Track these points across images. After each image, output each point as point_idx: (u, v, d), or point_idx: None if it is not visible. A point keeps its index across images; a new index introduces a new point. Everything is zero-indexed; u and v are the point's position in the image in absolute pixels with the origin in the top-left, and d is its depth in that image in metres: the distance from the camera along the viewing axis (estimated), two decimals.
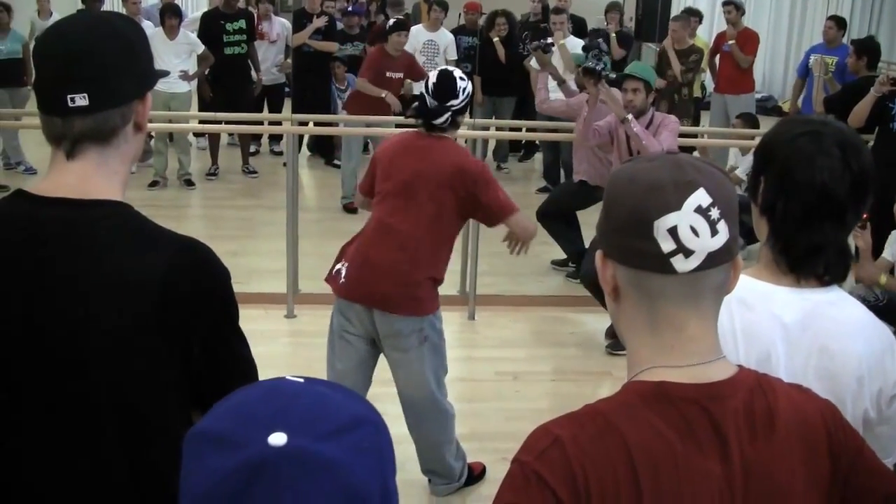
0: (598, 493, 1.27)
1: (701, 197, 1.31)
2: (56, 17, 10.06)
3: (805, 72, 9.73)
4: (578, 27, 10.52)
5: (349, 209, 8.44)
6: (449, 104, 3.82)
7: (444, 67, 4.06)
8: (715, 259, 1.32)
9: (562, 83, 7.37)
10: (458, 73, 3.92)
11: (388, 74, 8.62)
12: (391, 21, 9.00)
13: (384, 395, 4.26)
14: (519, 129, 9.93)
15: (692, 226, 1.30)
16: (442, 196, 3.79)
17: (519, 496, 1.30)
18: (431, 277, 3.91)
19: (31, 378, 1.59)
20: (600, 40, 6.02)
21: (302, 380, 1.07)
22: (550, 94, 7.18)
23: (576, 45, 9.44)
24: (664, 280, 1.33)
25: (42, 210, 1.62)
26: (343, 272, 3.89)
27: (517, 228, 4.00)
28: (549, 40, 7.23)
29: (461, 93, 3.84)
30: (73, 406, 1.60)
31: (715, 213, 1.31)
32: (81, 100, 1.59)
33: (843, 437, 1.42)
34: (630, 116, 5.57)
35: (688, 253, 1.30)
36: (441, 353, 4.04)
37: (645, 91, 5.69)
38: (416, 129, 3.99)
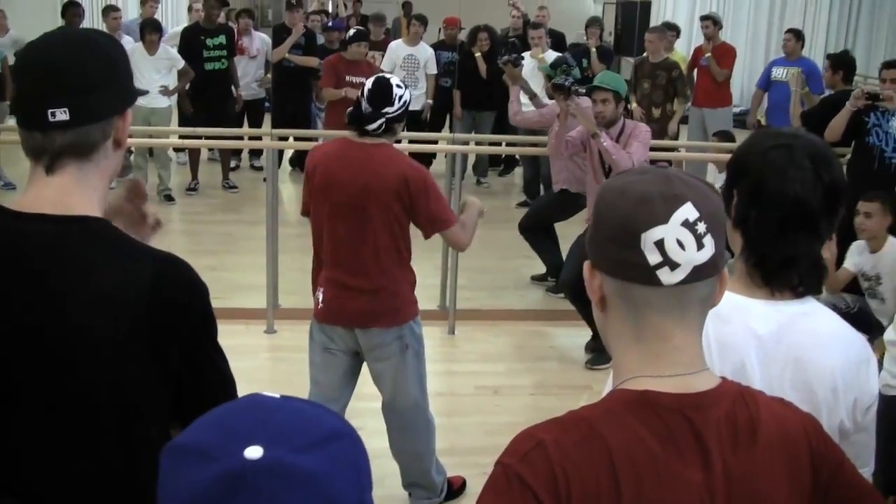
0: (579, 497, 1.29)
1: (688, 211, 1.33)
2: (12, 34, 10.01)
3: (766, 84, 9.79)
4: (557, 42, 10.57)
5: None
6: (384, 111, 3.75)
7: (381, 74, 3.98)
8: (700, 272, 1.34)
9: (533, 97, 7.43)
10: (395, 80, 3.86)
11: (348, 78, 8.67)
12: (351, 31, 9.05)
13: (364, 409, 4.27)
14: (499, 144, 9.97)
15: (679, 239, 1.32)
16: (391, 205, 3.77)
17: (500, 498, 1.31)
18: (408, 282, 3.93)
19: (31, 379, 1.59)
20: (568, 54, 6.02)
21: (278, 396, 1.09)
22: (522, 106, 7.22)
23: (552, 58, 9.49)
24: (650, 291, 1.35)
25: (23, 225, 1.62)
26: (320, 297, 3.91)
27: (455, 240, 3.98)
28: (515, 56, 7.28)
29: (397, 100, 3.77)
30: (72, 407, 1.60)
31: (701, 227, 1.33)
32: (62, 114, 1.60)
33: (824, 450, 1.44)
34: (601, 131, 5.55)
35: (674, 266, 1.33)
36: (423, 360, 4.06)
37: (615, 101, 5.66)
38: (347, 136, 3.89)
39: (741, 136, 8.28)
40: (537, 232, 7.20)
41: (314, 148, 4.06)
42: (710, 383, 1.39)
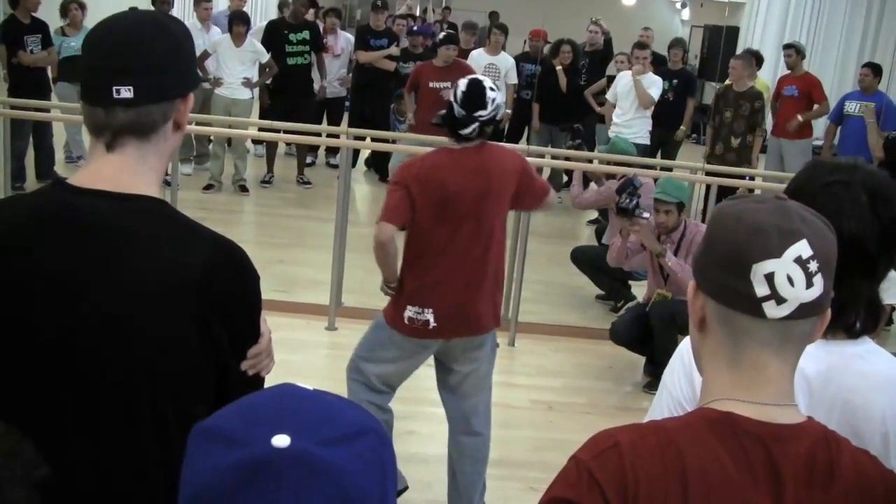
0: (646, 502, 1.30)
1: (802, 248, 1.33)
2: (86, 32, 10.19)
3: (839, 118, 9.64)
4: (657, 63, 10.48)
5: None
6: (477, 114, 3.71)
7: (474, 76, 3.90)
8: (805, 310, 1.34)
9: (597, 180, 7.57)
10: (487, 82, 3.80)
11: (430, 85, 8.75)
12: (441, 34, 9.09)
13: (420, 413, 4.29)
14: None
15: (789, 275, 1.32)
16: (506, 205, 3.82)
17: (568, 491, 1.33)
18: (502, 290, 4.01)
19: (75, 355, 1.60)
20: (634, 176, 6.15)
21: (310, 388, 1.09)
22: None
23: (652, 81, 9.44)
24: (752, 322, 1.35)
25: (80, 200, 1.64)
26: (431, 319, 3.81)
27: (551, 201, 4.12)
28: (579, 141, 7.53)
29: (490, 103, 3.72)
30: (116, 387, 1.61)
31: (814, 265, 1.33)
32: (126, 92, 1.61)
33: None
34: (665, 250, 5.69)
35: (780, 300, 1.33)
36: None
37: (677, 211, 5.76)
38: (447, 147, 3.85)
39: None
40: (585, 262, 7.31)
41: (412, 162, 3.90)
42: (796, 419, 1.39)
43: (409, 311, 3.83)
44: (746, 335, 1.37)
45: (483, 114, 3.72)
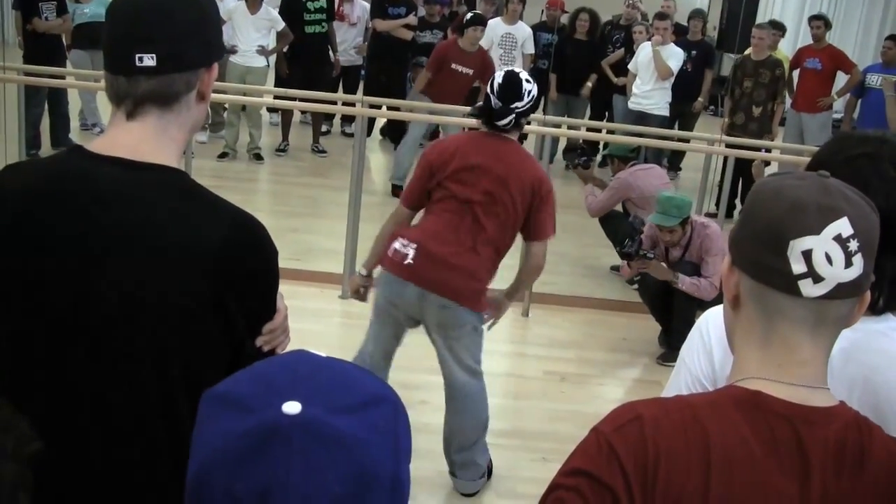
0: (665, 478, 1.27)
1: (843, 226, 1.29)
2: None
3: (860, 91, 9.56)
4: (679, 33, 10.39)
5: (397, 194, 8.38)
6: (513, 106, 3.80)
7: (510, 69, 4.00)
8: (843, 290, 1.30)
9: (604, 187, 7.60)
10: (524, 74, 3.89)
11: (453, 66, 8.64)
12: (468, 14, 9.00)
13: (432, 383, 4.27)
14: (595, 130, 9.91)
15: (828, 253, 1.28)
16: (517, 200, 3.81)
17: (587, 463, 1.31)
18: (492, 275, 3.98)
19: (86, 325, 1.59)
20: (635, 217, 6.15)
21: (324, 355, 1.07)
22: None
23: (672, 52, 9.37)
24: (787, 300, 1.32)
25: (97, 167, 1.62)
26: (410, 254, 3.85)
27: (534, 259, 4.01)
28: (585, 158, 7.59)
29: (526, 95, 3.82)
30: (127, 358, 1.59)
31: (854, 244, 1.29)
32: (149, 60, 1.60)
33: None
34: (677, 277, 5.71)
35: (817, 279, 1.29)
36: (482, 335, 4.08)
37: (681, 227, 5.77)
38: (478, 130, 3.94)
39: None
40: (613, 221, 7.28)
41: (440, 140, 4.03)
42: (827, 402, 1.35)
43: (397, 244, 3.90)
44: (780, 314, 1.34)
45: (519, 105, 3.82)
